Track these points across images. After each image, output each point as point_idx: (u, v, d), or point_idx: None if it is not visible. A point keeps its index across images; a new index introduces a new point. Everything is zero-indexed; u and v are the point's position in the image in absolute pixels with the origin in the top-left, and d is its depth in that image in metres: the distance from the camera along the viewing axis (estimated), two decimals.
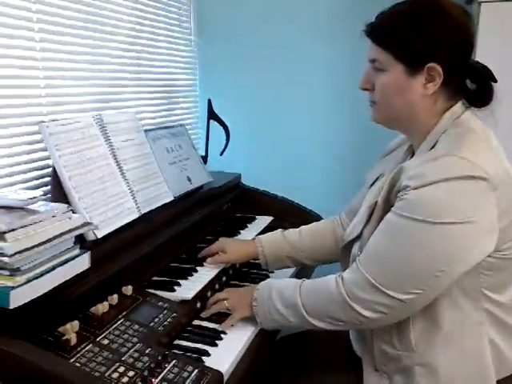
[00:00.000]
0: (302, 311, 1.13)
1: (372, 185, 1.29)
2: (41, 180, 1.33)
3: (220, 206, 1.83)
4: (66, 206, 1.02)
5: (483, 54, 1.33)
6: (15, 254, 0.87)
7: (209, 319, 1.26)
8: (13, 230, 0.88)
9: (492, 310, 1.08)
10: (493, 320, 1.08)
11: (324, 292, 1.12)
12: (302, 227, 1.54)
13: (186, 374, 0.97)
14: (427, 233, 0.98)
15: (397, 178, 1.06)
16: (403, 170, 1.05)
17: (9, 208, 0.95)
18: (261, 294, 1.21)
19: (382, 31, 1.09)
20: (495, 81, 1.07)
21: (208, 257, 1.45)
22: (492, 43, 1.50)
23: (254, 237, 1.54)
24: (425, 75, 1.05)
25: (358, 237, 1.18)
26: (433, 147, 1.06)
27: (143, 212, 1.38)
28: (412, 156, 1.19)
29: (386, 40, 1.08)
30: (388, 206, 1.08)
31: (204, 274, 1.38)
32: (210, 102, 1.96)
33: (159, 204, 1.46)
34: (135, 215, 1.35)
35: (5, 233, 0.86)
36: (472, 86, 1.10)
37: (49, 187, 1.29)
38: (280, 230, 1.54)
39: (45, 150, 1.31)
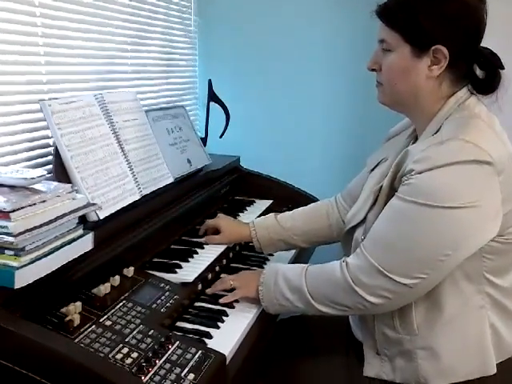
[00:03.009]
0: (307, 296, 1.13)
1: (373, 169, 1.29)
2: (41, 159, 1.31)
3: (219, 189, 1.82)
4: (70, 185, 1.01)
5: (490, 39, 1.32)
6: (20, 233, 0.86)
7: (210, 301, 1.26)
8: (18, 209, 0.86)
9: (493, 293, 1.09)
10: (494, 304, 1.09)
11: (329, 277, 1.12)
12: (295, 210, 1.54)
13: (189, 356, 0.97)
14: (432, 217, 0.99)
15: (402, 162, 1.07)
16: (408, 153, 1.06)
17: (12, 187, 0.94)
18: (267, 278, 1.21)
19: (391, 11, 1.09)
20: (502, 68, 1.07)
21: (205, 231, 1.50)
22: (498, 29, 1.49)
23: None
24: (430, 57, 1.05)
25: (362, 221, 1.18)
26: (437, 131, 1.06)
27: (144, 193, 1.37)
28: (415, 141, 1.19)
29: (394, 20, 1.08)
30: (393, 190, 1.08)
31: (204, 257, 1.38)
32: (210, 82, 1.93)
33: (160, 186, 1.45)
34: (136, 196, 1.33)
35: (10, 212, 0.85)
36: (479, 73, 1.09)
37: (49, 166, 1.28)
38: (273, 213, 1.54)
39: (45, 128, 1.29)
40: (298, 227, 1.48)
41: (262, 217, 1.54)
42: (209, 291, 1.28)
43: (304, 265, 1.20)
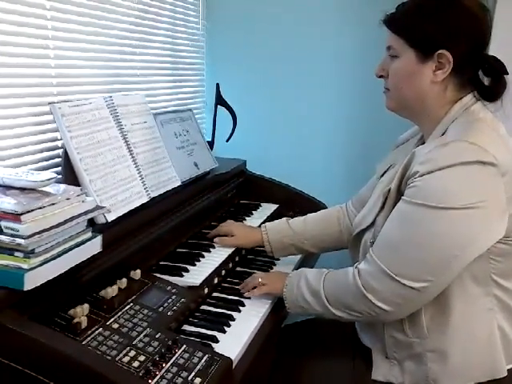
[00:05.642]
0: (324, 301, 1.15)
1: (382, 176, 1.30)
2: (50, 161, 1.32)
3: (226, 193, 1.83)
4: (80, 188, 1.01)
5: (499, 46, 1.32)
6: (31, 235, 0.86)
7: (217, 305, 1.27)
8: (28, 211, 0.87)
9: (501, 296, 1.09)
10: (502, 307, 1.10)
11: (342, 283, 1.13)
12: (307, 215, 1.56)
13: (196, 360, 0.97)
14: (438, 219, 0.99)
15: (408, 164, 1.08)
16: (415, 155, 1.07)
17: (22, 189, 0.95)
18: (291, 280, 1.23)
19: (397, 19, 1.12)
20: (506, 73, 1.08)
21: (216, 237, 1.50)
22: (508, 35, 1.49)
23: (262, 224, 1.56)
24: (435, 62, 1.07)
25: (371, 225, 1.18)
26: (443, 135, 1.08)
27: (152, 196, 1.37)
28: None
29: (399, 26, 1.11)
30: (400, 193, 1.09)
31: (211, 260, 1.38)
32: (218, 86, 1.94)
33: (168, 189, 1.45)
34: (144, 199, 1.34)
35: (21, 214, 0.85)
36: (485, 80, 1.11)
37: (57, 169, 1.28)
38: (285, 218, 1.56)
39: (53, 130, 1.30)
40: (308, 232, 1.49)
41: (274, 221, 1.55)
42: (241, 287, 1.33)
43: (325, 269, 1.22)
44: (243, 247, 1.53)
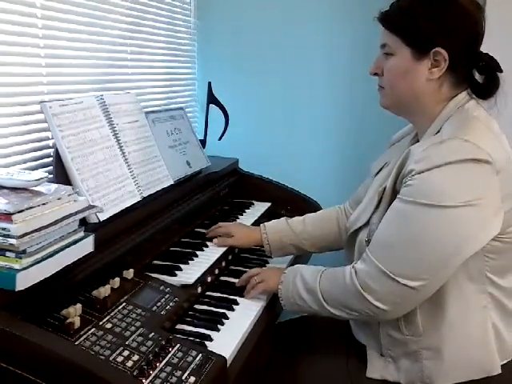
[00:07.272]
0: (320, 299, 1.15)
1: (377, 174, 1.30)
2: (41, 161, 1.31)
3: (218, 191, 1.83)
4: (72, 188, 1.01)
5: (488, 43, 1.33)
6: (22, 235, 0.85)
7: (210, 304, 1.26)
8: (20, 211, 0.86)
9: (495, 294, 1.10)
10: (496, 304, 1.11)
11: (340, 282, 1.13)
12: (307, 215, 1.55)
13: (189, 359, 0.96)
14: (434, 217, 1.00)
15: (404, 162, 1.08)
16: (410, 153, 1.07)
17: (14, 189, 0.94)
18: (287, 277, 1.23)
19: (392, 17, 1.12)
20: (500, 70, 1.09)
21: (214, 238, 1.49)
22: (497, 33, 1.50)
23: (254, 222, 1.56)
24: (430, 60, 1.08)
25: (366, 224, 1.18)
26: (437, 133, 1.08)
27: (144, 195, 1.37)
28: None
29: (394, 24, 1.11)
30: (395, 192, 1.09)
31: (204, 259, 1.38)
32: (210, 85, 1.94)
33: (160, 188, 1.45)
34: (137, 198, 1.33)
35: (12, 214, 0.85)
36: (479, 78, 1.12)
37: (48, 168, 1.27)
38: (285, 217, 1.55)
39: (44, 130, 1.29)
40: (308, 232, 1.49)
41: (274, 220, 1.55)
42: (238, 284, 1.33)
43: (321, 267, 1.21)
44: (242, 247, 1.53)
